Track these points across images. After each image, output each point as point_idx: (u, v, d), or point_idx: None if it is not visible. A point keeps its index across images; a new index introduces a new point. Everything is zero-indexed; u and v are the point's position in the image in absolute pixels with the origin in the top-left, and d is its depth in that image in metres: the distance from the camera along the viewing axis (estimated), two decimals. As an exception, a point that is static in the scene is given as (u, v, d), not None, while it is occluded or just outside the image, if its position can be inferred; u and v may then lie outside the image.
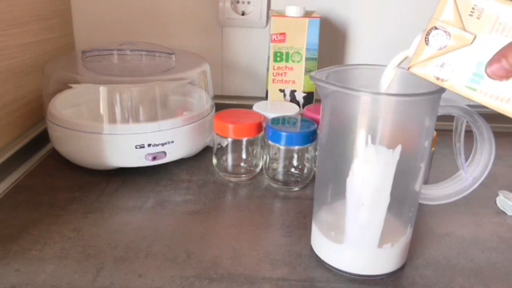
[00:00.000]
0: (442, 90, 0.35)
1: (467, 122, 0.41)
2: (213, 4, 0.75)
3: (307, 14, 0.66)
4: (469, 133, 0.42)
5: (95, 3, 0.76)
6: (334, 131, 0.39)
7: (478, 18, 0.31)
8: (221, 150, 0.56)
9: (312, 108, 0.61)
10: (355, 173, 0.37)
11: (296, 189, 0.55)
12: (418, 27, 0.34)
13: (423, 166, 0.38)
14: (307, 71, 0.66)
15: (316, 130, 0.53)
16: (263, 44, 0.76)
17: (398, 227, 0.40)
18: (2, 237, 0.43)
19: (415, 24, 0.70)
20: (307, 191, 0.55)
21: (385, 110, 0.36)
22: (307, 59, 0.66)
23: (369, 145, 0.36)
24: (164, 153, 0.55)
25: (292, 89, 0.68)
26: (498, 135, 0.42)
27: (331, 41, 0.77)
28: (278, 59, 0.66)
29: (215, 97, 0.67)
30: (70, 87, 0.56)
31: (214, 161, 0.57)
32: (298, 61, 0.66)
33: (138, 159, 0.54)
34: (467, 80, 0.32)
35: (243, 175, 0.57)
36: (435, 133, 0.47)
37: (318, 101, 0.42)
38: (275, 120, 0.55)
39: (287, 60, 0.66)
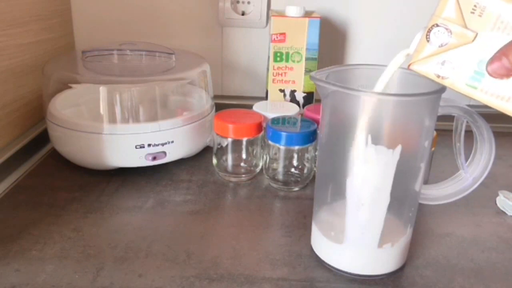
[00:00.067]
0: (442, 90, 0.35)
1: (467, 122, 0.41)
2: (213, 4, 0.75)
3: (307, 14, 0.66)
4: (469, 133, 0.42)
5: (95, 3, 0.76)
6: (334, 131, 0.39)
7: (479, 16, 0.31)
8: (221, 150, 0.56)
9: (312, 108, 0.61)
10: (355, 173, 0.37)
11: (296, 189, 0.55)
12: (418, 27, 0.34)
13: (423, 166, 0.38)
14: (307, 71, 0.66)
15: (316, 130, 0.53)
16: (263, 44, 0.76)
17: (398, 227, 0.40)
18: (2, 237, 0.43)
19: (415, 24, 0.70)
20: (307, 191, 0.55)
21: (385, 110, 0.36)
22: (307, 59, 0.66)
23: (369, 145, 0.36)
24: (164, 153, 0.55)
25: (292, 89, 0.68)
26: (498, 135, 0.42)
27: (331, 41, 0.77)
28: (278, 59, 0.66)
29: (215, 97, 0.67)
30: (70, 87, 0.56)
31: (214, 161, 0.57)
32: (298, 61, 0.66)
33: (138, 159, 0.54)
34: (468, 78, 0.32)
35: (243, 175, 0.57)
36: (435, 133, 0.47)
37: (318, 101, 0.42)
38: (275, 120, 0.55)
39: (287, 60, 0.66)
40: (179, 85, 0.61)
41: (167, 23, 0.76)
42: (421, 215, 0.49)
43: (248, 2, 0.74)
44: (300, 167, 0.55)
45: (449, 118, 0.41)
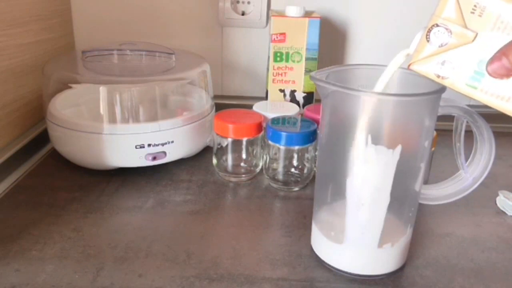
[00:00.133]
0: (442, 90, 0.35)
1: (467, 122, 0.41)
2: (213, 4, 0.75)
3: (307, 14, 0.66)
4: (469, 133, 0.42)
5: (95, 3, 0.76)
6: (334, 131, 0.39)
7: (479, 16, 0.31)
8: (221, 150, 0.56)
9: (312, 108, 0.61)
10: (355, 173, 0.37)
11: (296, 189, 0.55)
12: (418, 27, 0.34)
13: (423, 166, 0.38)
14: (307, 71, 0.66)
15: (316, 130, 0.53)
16: (263, 44, 0.76)
17: (398, 227, 0.40)
18: (2, 237, 0.43)
19: (415, 24, 0.70)
20: (307, 191, 0.55)
21: (385, 110, 0.36)
22: (307, 59, 0.66)
23: (369, 145, 0.36)
24: (164, 153, 0.55)
25: (292, 89, 0.68)
26: (498, 135, 0.42)
27: (331, 41, 0.77)
28: (278, 59, 0.66)
29: (215, 97, 0.67)
30: (70, 87, 0.56)
31: (214, 161, 0.57)
32: (298, 61, 0.66)
33: (138, 159, 0.54)
34: (468, 78, 0.32)
35: (243, 175, 0.57)
36: (435, 133, 0.47)
37: (318, 101, 0.42)
38: (275, 120, 0.55)
39: (287, 60, 0.66)
40: (179, 85, 0.61)
41: (167, 23, 0.76)
42: (421, 215, 0.49)
43: (248, 2, 0.74)
44: (300, 167, 0.55)
45: (449, 118, 0.41)
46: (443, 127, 0.51)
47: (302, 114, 0.61)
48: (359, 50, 0.77)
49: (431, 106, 0.36)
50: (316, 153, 0.53)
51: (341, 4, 0.74)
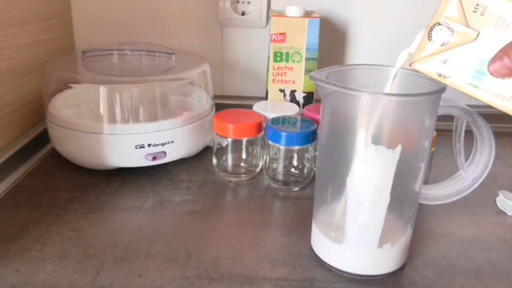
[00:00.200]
0: (442, 90, 0.35)
1: (467, 122, 0.41)
2: (213, 4, 0.75)
3: (307, 14, 0.66)
4: (469, 133, 0.42)
5: (95, 3, 0.76)
6: (334, 131, 0.39)
7: (482, 14, 0.31)
8: (221, 150, 0.56)
9: (312, 108, 0.61)
10: (355, 173, 0.37)
11: (296, 189, 0.55)
12: (418, 27, 0.34)
13: (423, 166, 0.38)
14: (307, 71, 0.66)
15: (316, 130, 0.53)
16: (263, 44, 0.76)
17: (398, 227, 0.40)
18: (2, 237, 0.43)
19: (415, 24, 0.70)
20: (307, 191, 0.55)
21: (385, 110, 0.36)
22: (307, 59, 0.66)
23: (369, 145, 0.36)
24: (164, 153, 0.55)
25: (292, 89, 0.68)
26: (498, 135, 0.42)
27: (331, 41, 0.77)
28: (278, 59, 0.66)
29: (215, 97, 0.67)
30: (70, 87, 0.56)
31: (214, 161, 0.57)
32: (298, 61, 0.66)
33: (138, 159, 0.54)
34: (469, 77, 0.32)
35: (243, 175, 0.57)
36: (435, 133, 0.47)
37: (318, 101, 0.42)
38: (275, 120, 0.55)
39: (287, 60, 0.66)
40: (179, 85, 0.61)
41: (167, 23, 0.76)
42: (421, 215, 0.49)
43: (248, 2, 0.74)
44: (300, 167, 0.55)
45: (449, 118, 0.41)
46: (443, 127, 0.51)
47: (302, 114, 0.61)
48: (359, 50, 0.77)
49: (431, 106, 0.36)
50: (316, 153, 0.53)
51: (341, 4, 0.74)
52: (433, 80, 0.34)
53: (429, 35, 0.32)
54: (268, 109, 0.61)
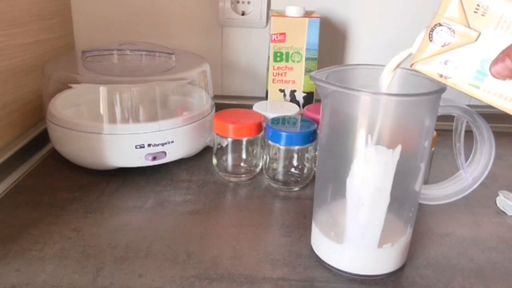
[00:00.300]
0: (442, 90, 0.35)
1: (467, 122, 0.41)
2: (213, 4, 0.75)
3: (307, 14, 0.66)
4: (469, 133, 0.42)
5: (95, 3, 0.76)
6: (334, 131, 0.39)
7: (482, 15, 0.31)
8: (221, 150, 0.56)
9: (312, 108, 0.61)
10: (355, 173, 0.37)
11: (296, 189, 0.55)
12: (418, 27, 0.34)
13: (423, 166, 0.38)
14: (307, 71, 0.66)
15: (316, 130, 0.53)
16: (263, 44, 0.76)
17: (398, 227, 0.40)
18: (2, 237, 0.43)
19: (415, 24, 0.70)
20: (307, 191, 0.55)
21: (385, 110, 0.36)
22: (307, 59, 0.66)
23: (369, 145, 0.36)
24: (164, 153, 0.55)
25: (292, 89, 0.68)
26: (498, 135, 0.42)
27: (331, 41, 0.77)
28: (278, 59, 0.66)
29: (215, 97, 0.67)
30: (70, 87, 0.56)
31: (214, 161, 0.57)
32: (298, 61, 0.66)
33: (138, 159, 0.54)
34: (471, 77, 0.32)
35: (243, 175, 0.57)
36: (435, 133, 0.47)
37: (318, 101, 0.42)
38: (275, 120, 0.55)
39: (287, 60, 0.66)
40: (179, 85, 0.61)
41: (167, 23, 0.76)
42: (421, 215, 0.49)
43: (248, 2, 0.74)
44: (300, 167, 0.55)
45: (449, 118, 0.41)
46: (443, 127, 0.51)
47: (302, 114, 0.61)
48: (359, 50, 0.77)
49: (431, 106, 0.36)
50: (316, 153, 0.53)
51: (341, 4, 0.74)
52: (433, 80, 0.34)
53: (430, 36, 0.32)
54: (268, 109, 0.61)
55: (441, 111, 0.38)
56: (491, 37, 0.31)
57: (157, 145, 0.54)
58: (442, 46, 0.32)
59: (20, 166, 0.57)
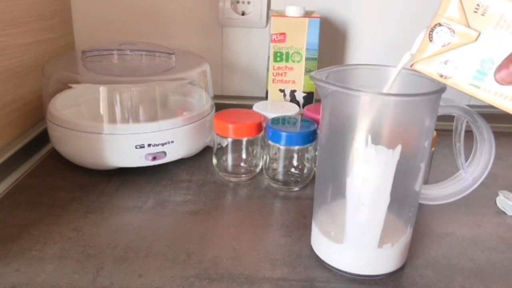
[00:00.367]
0: (442, 90, 0.35)
1: (467, 122, 0.41)
2: (213, 4, 0.75)
3: (307, 14, 0.66)
4: (469, 133, 0.42)
5: (95, 3, 0.76)
6: (334, 131, 0.39)
7: (482, 15, 0.31)
8: (221, 150, 0.56)
9: (312, 108, 0.61)
10: (355, 173, 0.37)
11: (296, 189, 0.55)
12: (418, 27, 0.34)
13: (423, 166, 0.38)
14: (307, 71, 0.66)
15: (316, 130, 0.53)
16: (263, 44, 0.76)
17: (398, 227, 0.40)
18: (2, 237, 0.43)
19: (415, 24, 0.70)
20: (307, 191, 0.55)
21: (385, 110, 0.36)
22: (307, 59, 0.66)
23: (369, 145, 0.36)
24: (164, 153, 0.55)
25: (292, 89, 0.68)
26: (498, 135, 0.42)
27: (331, 41, 0.77)
28: (278, 59, 0.66)
29: (215, 97, 0.67)
30: (70, 87, 0.56)
31: (214, 161, 0.57)
32: (298, 61, 0.66)
33: (138, 159, 0.54)
34: (471, 77, 0.32)
35: (243, 175, 0.57)
36: (435, 133, 0.47)
37: (318, 101, 0.42)
38: (275, 120, 0.55)
39: (287, 60, 0.66)
40: (179, 85, 0.61)
41: (167, 23, 0.76)
42: (421, 215, 0.49)
43: (248, 2, 0.74)
44: (300, 167, 0.55)
45: (449, 118, 0.41)
46: (443, 127, 0.51)
47: (302, 114, 0.61)
48: (359, 50, 0.77)
49: (431, 106, 0.36)
50: (316, 153, 0.53)
51: (341, 4, 0.74)
52: (434, 80, 0.34)
53: (430, 36, 0.32)
54: (268, 109, 0.61)
55: (441, 111, 0.38)
56: (491, 36, 0.31)
57: (157, 145, 0.54)
58: (442, 46, 0.32)
59: (20, 166, 0.57)
